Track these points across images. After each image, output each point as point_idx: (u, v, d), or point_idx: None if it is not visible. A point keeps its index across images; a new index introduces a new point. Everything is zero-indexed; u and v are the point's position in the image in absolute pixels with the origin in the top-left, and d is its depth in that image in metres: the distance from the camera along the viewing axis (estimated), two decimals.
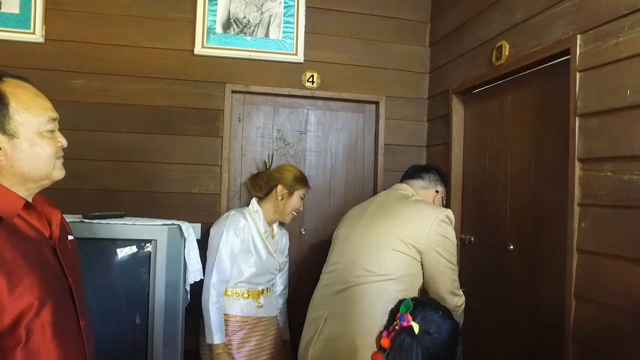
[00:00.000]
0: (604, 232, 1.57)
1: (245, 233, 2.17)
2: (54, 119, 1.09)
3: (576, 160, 1.68)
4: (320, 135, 2.83)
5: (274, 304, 2.33)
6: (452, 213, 1.82)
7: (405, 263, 1.73)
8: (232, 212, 2.22)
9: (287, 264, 2.45)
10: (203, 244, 2.40)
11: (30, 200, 1.08)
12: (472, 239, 2.45)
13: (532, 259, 2.00)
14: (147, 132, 2.55)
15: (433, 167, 2.10)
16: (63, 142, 1.11)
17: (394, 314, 1.26)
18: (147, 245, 1.91)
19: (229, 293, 2.15)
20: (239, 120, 2.71)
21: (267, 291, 2.28)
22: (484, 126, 2.40)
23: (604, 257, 1.55)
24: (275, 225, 2.35)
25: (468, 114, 2.55)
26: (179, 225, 1.98)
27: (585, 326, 1.62)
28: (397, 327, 1.21)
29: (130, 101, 2.54)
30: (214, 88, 2.63)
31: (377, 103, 2.85)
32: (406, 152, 2.87)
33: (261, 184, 2.33)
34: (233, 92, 2.66)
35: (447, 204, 2.21)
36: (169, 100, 2.57)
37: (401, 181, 2.08)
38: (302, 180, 2.31)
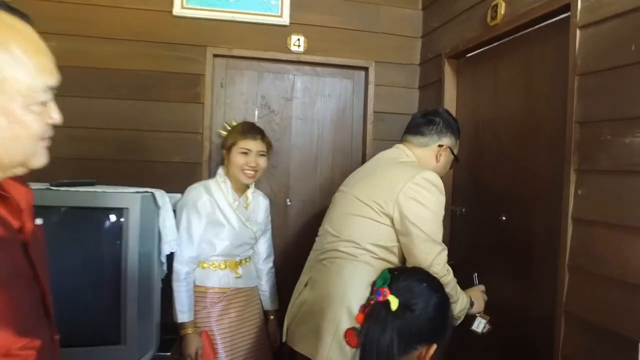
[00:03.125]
0: (602, 199, 1.47)
1: (209, 207, 2.02)
2: (52, 88, 0.79)
3: (574, 123, 1.58)
4: (306, 102, 2.70)
5: (253, 275, 2.23)
6: (434, 175, 1.59)
7: (376, 231, 1.58)
8: (195, 185, 2.08)
9: (269, 231, 2.32)
10: None
11: None
12: (463, 210, 2.36)
13: (526, 230, 1.90)
14: (123, 98, 2.41)
15: (439, 114, 1.79)
16: (56, 118, 0.82)
17: (372, 285, 1.12)
18: (118, 214, 1.80)
19: (205, 265, 2.06)
20: (222, 86, 2.58)
21: (245, 261, 2.17)
22: (477, 92, 2.28)
23: (602, 226, 1.46)
24: (249, 193, 2.19)
25: (461, 79, 2.42)
26: (152, 193, 1.86)
27: (578, 298, 1.54)
28: (372, 302, 1.06)
29: (104, 65, 2.39)
30: (194, 51, 2.48)
31: (366, 69, 2.71)
32: (396, 121, 2.73)
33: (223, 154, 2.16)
34: (215, 56, 2.51)
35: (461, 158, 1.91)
36: (147, 64, 2.43)
37: (402, 137, 1.85)
38: (238, 133, 2.05)
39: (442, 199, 1.60)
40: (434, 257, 1.52)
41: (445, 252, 1.56)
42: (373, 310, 1.04)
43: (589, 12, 1.53)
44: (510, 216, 2.00)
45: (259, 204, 2.23)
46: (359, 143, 2.77)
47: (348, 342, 1.07)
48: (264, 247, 2.29)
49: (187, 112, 2.48)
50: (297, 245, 2.71)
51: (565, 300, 1.58)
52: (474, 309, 1.67)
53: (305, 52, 2.61)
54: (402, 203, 1.54)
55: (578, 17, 1.56)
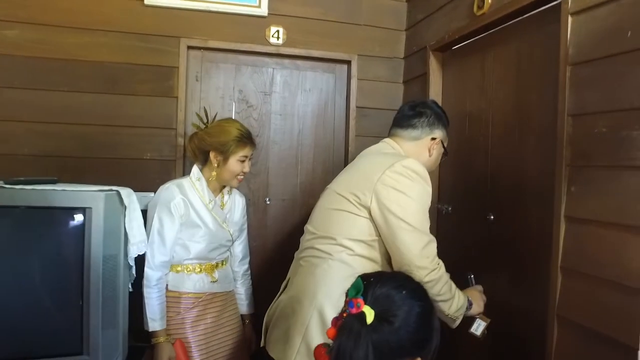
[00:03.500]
0: (597, 197, 1.38)
1: (182, 208, 1.89)
2: None
3: (566, 116, 1.48)
4: (286, 97, 2.58)
5: (230, 278, 2.11)
6: (416, 163, 1.48)
7: (354, 225, 1.46)
8: (167, 184, 1.94)
9: (245, 231, 2.20)
10: None
11: None
12: (450, 208, 2.26)
13: (515, 229, 1.81)
14: (91, 91, 2.27)
15: (428, 106, 1.70)
16: None
17: (346, 295, 0.99)
18: (80, 214, 1.66)
19: (179, 269, 1.93)
20: (196, 80, 2.45)
21: (222, 264, 2.05)
22: (463, 85, 2.19)
23: (597, 225, 1.37)
24: (225, 192, 2.07)
25: (447, 73, 2.33)
26: (117, 191, 1.73)
27: (571, 301, 1.45)
28: (345, 315, 0.92)
29: (70, 56, 2.25)
30: (167, 43, 2.35)
31: (348, 62, 2.61)
32: (380, 116, 2.64)
33: (195, 151, 2.00)
34: (189, 47, 2.38)
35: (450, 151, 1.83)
36: (116, 55, 2.29)
37: (389, 131, 1.74)
38: (238, 141, 1.93)
39: (426, 188, 1.47)
40: (420, 249, 1.38)
41: (434, 244, 1.43)
42: (345, 323, 0.91)
43: None
44: (498, 215, 1.91)
45: (235, 203, 2.11)
46: (341, 140, 2.67)
47: None
48: (239, 248, 2.17)
49: (159, 107, 2.34)
50: (276, 246, 2.60)
51: (558, 304, 1.48)
52: (473, 310, 1.56)
53: (284, 45, 2.50)
54: (380, 192, 1.42)
55: (570, 3, 1.48)
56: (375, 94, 2.65)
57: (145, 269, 1.86)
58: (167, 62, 2.34)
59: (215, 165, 1.94)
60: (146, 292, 1.85)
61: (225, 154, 1.92)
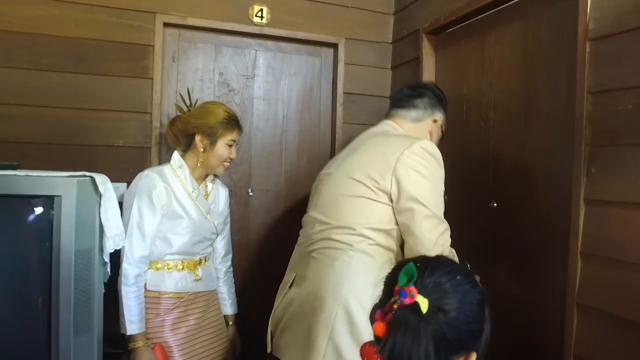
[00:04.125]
0: (621, 177, 1.30)
1: (164, 197, 1.72)
2: None
3: (585, 94, 1.41)
4: (270, 81, 2.42)
5: (213, 276, 1.93)
6: (433, 145, 1.43)
7: (373, 212, 1.37)
8: (147, 171, 1.75)
9: (228, 225, 2.03)
10: None
11: None
12: (446, 197, 2.16)
13: (521, 216, 1.73)
14: (55, 70, 2.03)
15: (429, 88, 1.66)
16: None
17: (390, 284, 0.86)
18: (47, 203, 1.45)
19: (159, 266, 1.74)
20: (173, 60, 2.25)
21: (205, 261, 1.87)
22: (460, 69, 2.10)
23: (622, 207, 1.30)
24: (208, 181, 1.90)
25: (441, 57, 2.24)
26: (91, 177, 1.53)
27: (593, 288, 1.37)
28: (395, 306, 0.79)
29: (32, 29, 2.00)
30: (141, 18, 2.14)
31: (335, 45, 2.47)
32: (368, 103, 2.53)
33: (177, 135, 1.83)
34: (165, 25, 2.18)
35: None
36: (84, 30, 2.06)
37: (388, 113, 1.67)
38: (226, 124, 1.79)
39: (442, 171, 1.42)
40: (437, 236, 1.33)
41: (449, 232, 1.37)
42: (398, 317, 0.78)
43: None
44: (502, 202, 1.82)
45: (219, 193, 1.95)
46: (327, 127, 2.53)
47: None
48: (221, 243, 1.99)
49: (133, 89, 2.13)
50: (259, 239, 2.44)
51: (578, 291, 1.41)
52: None
53: (268, 25, 2.34)
54: (400, 174, 1.34)
55: None
56: (362, 80, 2.53)
57: (123, 264, 1.66)
58: (141, 39, 2.13)
59: (202, 150, 1.78)
60: (124, 290, 1.65)
61: (212, 137, 1.77)
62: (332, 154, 2.47)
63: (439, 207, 1.37)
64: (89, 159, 2.06)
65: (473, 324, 0.81)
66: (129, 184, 2.04)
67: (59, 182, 1.46)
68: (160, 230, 1.73)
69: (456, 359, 0.81)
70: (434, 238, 1.32)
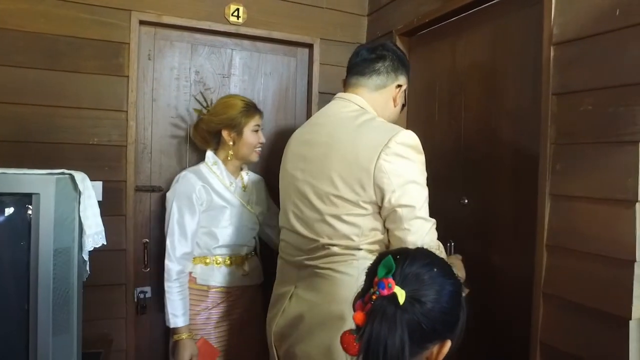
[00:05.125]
0: (583, 173, 1.39)
1: (204, 195, 1.87)
2: None
3: (550, 95, 1.49)
4: (246, 80, 2.44)
5: (259, 270, 2.04)
6: (409, 135, 1.34)
7: (365, 225, 1.35)
8: (184, 172, 1.91)
9: (274, 206, 2.14)
10: (106, 205, 1.98)
11: None
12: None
13: (491, 211, 1.82)
14: (27, 66, 1.99)
15: (389, 49, 1.51)
16: None
17: (371, 275, 0.89)
18: (24, 201, 1.43)
19: (208, 261, 1.89)
20: (149, 58, 2.24)
21: (251, 256, 1.98)
22: (432, 70, 2.18)
23: (584, 201, 1.39)
24: (244, 174, 2.03)
25: (413, 58, 2.30)
26: (70, 174, 1.51)
27: (559, 278, 1.46)
28: (374, 297, 0.84)
29: (0, 24, 1.96)
30: (116, 16, 2.12)
31: (310, 46, 2.51)
32: None
33: (205, 136, 1.98)
34: (141, 22, 2.17)
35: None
36: (56, 27, 2.02)
37: (347, 81, 1.54)
38: (246, 112, 1.94)
39: (422, 159, 1.37)
40: (423, 236, 1.32)
41: (435, 227, 1.38)
42: (377, 306, 0.82)
43: None
44: (472, 198, 1.91)
45: (255, 184, 2.07)
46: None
47: (346, 349, 0.85)
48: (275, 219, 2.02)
49: (107, 87, 2.11)
50: None
51: (544, 281, 1.49)
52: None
53: (244, 24, 2.35)
54: (382, 181, 1.30)
55: None
56: (337, 80, 2.52)
57: (166, 261, 1.81)
58: (117, 37, 2.11)
59: (231, 143, 1.92)
60: (167, 286, 1.80)
61: (237, 128, 1.90)
62: None
63: (423, 206, 1.33)
64: (62, 157, 2.03)
65: (448, 315, 0.86)
66: (105, 182, 2.05)
67: (37, 180, 1.44)
68: (204, 225, 1.87)
69: (431, 347, 0.87)
70: (418, 240, 1.30)
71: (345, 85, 1.55)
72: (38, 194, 1.43)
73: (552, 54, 1.49)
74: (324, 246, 1.39)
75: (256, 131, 1.94)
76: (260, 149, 1.99)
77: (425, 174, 1.38)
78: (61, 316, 1.49)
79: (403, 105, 1.60)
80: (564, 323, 1.44)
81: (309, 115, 2.54)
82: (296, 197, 1.48)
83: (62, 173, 1.50)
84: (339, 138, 1.39)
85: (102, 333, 2.06)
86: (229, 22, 2.32)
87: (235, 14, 2.32)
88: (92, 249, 1.59)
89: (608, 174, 1.32)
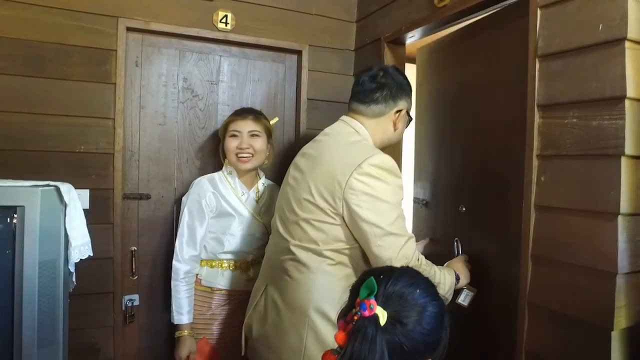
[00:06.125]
0: (567, 185, 1.41)
1: (213, 202, 1.94)
2: None
3: (535, 108, 1.51)
4: (234, 87, 2.44)
5: None
6: (383, 158, 1.40)
7: (331, 233, 1.42)
8: (200, 178, 2.00)
9: None
10: (94, 213, 1.97)
11: None
12: (424, 202, 2.24)
13: (485, 220, 1.83)
14: (12, 73, 1.97)
15: (389, 75, 1.57)
16: None
17: (354, 293, 0.90)
18: (9, 214, 1.42)
19: (213, 264, 1.96)
20: (137, 65, 2.23)
21: (258, 262, 1.99)
22: (421, 79, 2.19)
23: (568, 213, 1.40)
24: (260, 184, 2.07)
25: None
26: (56, 186, 1.50)
27: (543, 288, 1.48)
28: (356, 317, 0.85)
29: None
30: (103, 22, 2.10)
31: (299, 52, 2.51)
32: (331, 109, 2.57)
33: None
34: (128, 29, 2.16)
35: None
36: (42, 33, 2.01)
37: (349, 105, 1.63)
38: (229, 117, 2.02)
39: (398, 182, 1.42)
40: (397, 251, 1.37)
41: (412, 242, 1.41)
42: (358, 327, 0.83)
43: None
44: (469, 206, 1.91)
45: (272, 196, 2.06)
46: (291, 132, 2.57)
47: None
48: None
49: (95, 94, 2.09)
50: None
51: (529, 291, 1.51)
52: (461, 283, 1.59)
53: (233, 31, 2.35)
54: (350, 200, 1.37)
55: None
56: (326, 86, 2.58)
57: (174, 262, 1.90)
58: (104, 44, 2.10)
59: (223, 155, 2.01)
60: (173, 284, 1.89)
61: (222, 135, 1.98)
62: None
63: (396, 223, 1.38)
64: (49, 165, 2.01)
65: (430, 336, 0.87)
66: (92, 190, 2.04)
67: (22, 192, 1.43)
68: (212, 231, 1.94)
69: None
70: (394, 255, 1.35)
71: (348, 109, 1.64)
72: (23, 206, 1.42)
73: (537, 66, 1.51)
74: (292, 249, 1.47)
75: (235, 136, 1.95)
76: (247, 155, 1.96)
77: (399, 195, 1.42)
78: (46, 329, 1.48)
79: (409, 123, 1.67)
80: (549, 333, 1.46)
81: (297, 121, 2.54)
82: (284, 201, 1.59)
83: (48, 185, 1.49)
84: (327, 153, 1.51)
85: (90, 342, 2.05)
86: (217, 29, 2.31)
87: (224, 20, 2.32)
88: (78, 260, 1.58)
89: (591, 186, 1.34)
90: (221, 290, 1.95)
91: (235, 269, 1.97)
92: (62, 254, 1.53)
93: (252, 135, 1.96)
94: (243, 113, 2.01)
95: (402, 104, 1.59)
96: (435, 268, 1.48)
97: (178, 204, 2.29)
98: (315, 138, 1.68)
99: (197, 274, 1.96)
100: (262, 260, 2.02)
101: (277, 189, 2.11)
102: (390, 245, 1.36)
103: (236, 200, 1.97)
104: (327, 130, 1.64)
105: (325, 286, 1.41)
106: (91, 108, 2.08)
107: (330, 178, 1.40)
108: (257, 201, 2.03)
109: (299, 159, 1.63)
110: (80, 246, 1.57)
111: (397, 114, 1.58)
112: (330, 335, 1.30)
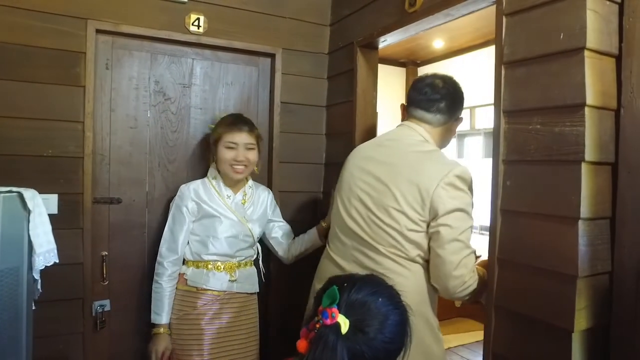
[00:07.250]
0: (531, 190, 1.44)
1: (196, 210, 1.99)
2: None
3: (501, 113, 1.54)
4: (207, 90, 2.42)
5: (252, 280, 2.08)
6: (466, 172, 1.53)
7: (422, 241, 1.53)
8: (184, 185, 2.04)
9: (280, 220, 2.24)
10: (62, 218, 1.94)
11: None
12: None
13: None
14: None
15: (450, 86, 1.68)
16: None
17: (318, 302, 0.91)
18: None
19: (199, 265, 1.98)
20: (107, 68, 2.19)
21: (244, 265, 2.03)
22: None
23: (532, 217, 1.43)
24: (247, 188, 2.08)
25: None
26: (19, 192, 1.47)
27: (508, 291, 1.50)
28: (318, 325, 0.85)
29: None
30: (72, 24, 2.06)
31: (272, 55, 2.51)
32: (305, 112, 2.59)
33: (210, 149, 2.08)
34: (98, 31, 2.12)
35: None
36: (7, 34, 1.95)
37: (411, 112, 1.70)
38: (225, 126, 2.00)
39: (472, 198, 1.55)
40: (461, 259, 1.48)
41: (473, 256, 1.52)
42: (319, 335, 0.84)
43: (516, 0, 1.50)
44: None
45: (259, 198, 2.11)
46: (264, 135, 2.54)
47: None
48: (279, 232, 2.18)
49: (63, 97, 2.05)
50: None
51: (496, 294, 1.54)
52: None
53: (205, 34, 2.33)
54: (437, 205, 1.48)
55: (504, 4, 1.53)
56: (299, 90, 2.58)
57: (156, 264, 1.97)
58: (72, 46, 2.06)
59: (215, 157, 2.00)
60: (154, 286, 1.94)
61: (216, 143, 1.97)
62: (270, 161, 2.51)
63: (465, 231, 1.49)
64: (14, 169, 1.96)
65: (391, 344, 0.88)
66: (61, 194, 2.01)
67: None
68: (197, 234, 1.98)
69: None
70: (457, 260, 1.47)
71: (409, 115, 1.72)
72: None
73: (503, 72, 1.54)
74: (381, 256, 1.56)
75: (231, 148, 1.96)
76: (242, 167, 1.97)
77: (472, 206, 1.54)
78: (9, 338, 1.45)
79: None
80: (514, 334, 1.49)
81: (271, 125, 2.54)
82: (357, 203, 1.64)
83: (10, 191, 1.45)
84: (405, 162, 1.59)
85: (57, 349, 2.01)
86: (189, 32, 2.30)
87: (196, 23, 2.30)
88: (43, 267, 1.55)
89: (554, 191, 1.37)
90: (206, 290, 1.96)
91: (221, 270, 1.99)
92: (25, 261, 1.50)
93: (249, 148, 1.99)
94: (238, 124, 2.00)
95: (459, 112, 1.73)
96: (478, 281, 1.55)
97: (150, 207, 2.27)
98: (375, 141, 1.78)
99: (182, 274, 1.99)
100: (249, 264, 2.08)
101: (265, 190, 2.19)
102: (455, 250, 1.47)
103: (221, 204, 1.99)
104: (390, 135, 1.73)
105: (420, 284, 1.54)
106: (60, 111, 2.04)
107: (417, 189, 1.51)
108: (243, 204, 2.05)
109: (365, 163, 1.68)
110: (45, 252, 1.54)
111: (457, 121, 1.72)
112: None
